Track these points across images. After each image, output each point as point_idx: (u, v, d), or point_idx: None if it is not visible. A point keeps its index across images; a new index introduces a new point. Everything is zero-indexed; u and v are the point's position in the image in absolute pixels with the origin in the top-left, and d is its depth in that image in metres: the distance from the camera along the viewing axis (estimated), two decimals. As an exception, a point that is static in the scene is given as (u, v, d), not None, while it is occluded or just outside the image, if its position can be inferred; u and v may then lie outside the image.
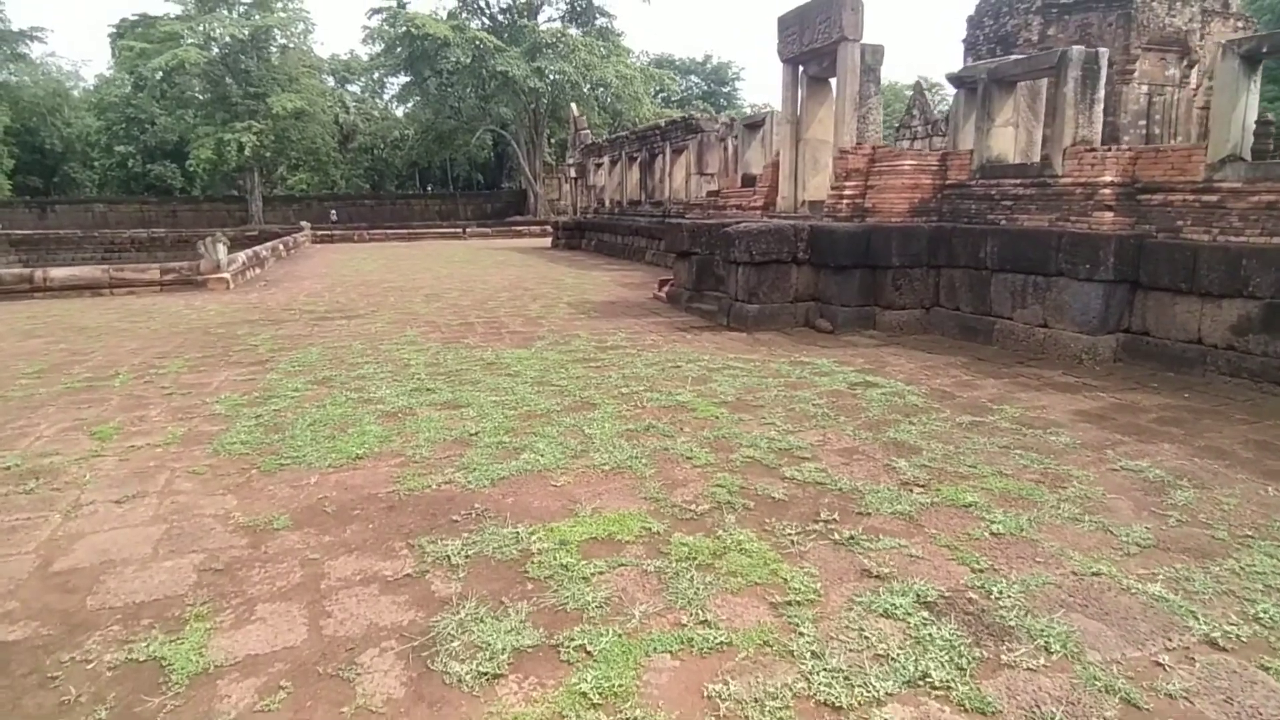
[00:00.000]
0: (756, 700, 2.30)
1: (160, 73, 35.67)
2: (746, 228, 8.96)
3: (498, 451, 4.56)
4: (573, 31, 39.57)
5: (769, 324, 8.84)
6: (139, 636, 2.68)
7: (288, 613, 2.83)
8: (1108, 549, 3.31)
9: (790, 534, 3.44)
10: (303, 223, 33.20)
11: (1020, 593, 2.92)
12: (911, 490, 3.96)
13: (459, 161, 50.34)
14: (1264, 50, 6.47)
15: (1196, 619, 2.74)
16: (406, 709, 2.30)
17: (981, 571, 3.10)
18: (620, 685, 2.36)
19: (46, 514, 3.76)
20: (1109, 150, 7.41)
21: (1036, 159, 8.52)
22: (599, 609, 2.81)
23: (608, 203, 24.38)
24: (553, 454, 4.48)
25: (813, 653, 2.53)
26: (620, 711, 2.26)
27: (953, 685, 2.36)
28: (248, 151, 36.94)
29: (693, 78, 57.79)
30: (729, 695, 2.32)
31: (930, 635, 2.63)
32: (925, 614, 2.77)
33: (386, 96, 47.24)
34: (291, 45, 40.89)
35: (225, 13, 37.85)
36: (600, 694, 2.33)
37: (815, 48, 10.04)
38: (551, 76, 36.79)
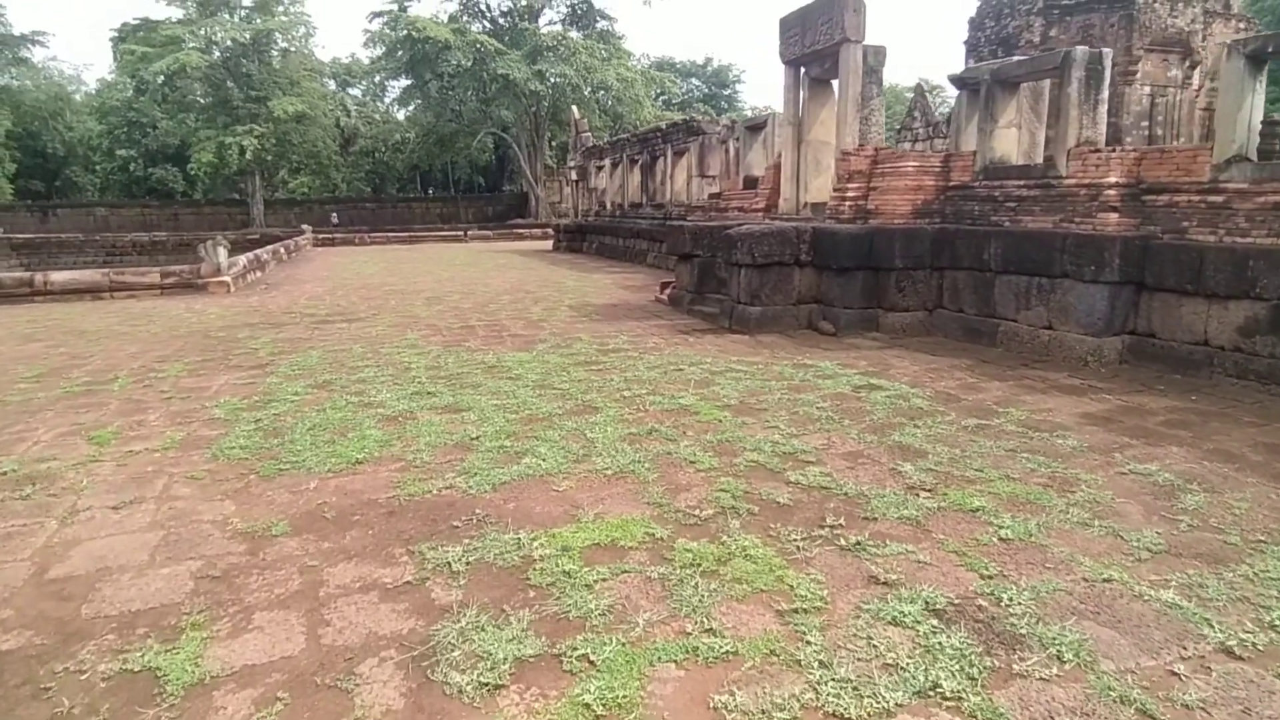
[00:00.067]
0: (763, 712, 2.25)
1: (162, 76, 35.71)
2: (748, 230, 8.92)
3: (499, 456, 4.51)
4: (573, 34, 39.62)
5: (771, 326, 8.80)
6: (134, 646, 2.63)
7: (286, 621, 2.79)
8: (1118, 554, 3.26)
9: (796, 540, 3.39)
10: (304, 226, 33.19)
11: (1031, 600, 2.87)
12: (918, 495, 3.91)
13: (460, 164, 50.36)
14: (1269, 50, 6.42)
15: (1211, 627, 2.69)
16: (406, 721, 2.25)
17: (991, 578, 3.05)
18: (624, 696, 2.31)
19: (43, 520, 3.71)
20: (1113, 151, 7.36)
21: (1039, 160, 8.48)
22: (602, 617, 2.76)
23: (609, 205, 24.35)
24: (554, 458, 4.43)
25: (820, 662, 2.48)
26: (624, 723, 2.21)
27: (964, 696, 2.31)
28: (249, 155, 36.98)
29: (694, 80, 57.83)
30: (735, 706, 2.27)
31: (940, 644, 2.58)
32: (934, 622, 2.72)
33: (388, 100, 47.38)
34: (293, 49, 40.94)
35: (226, 16, 37.92)
36: (604, 705, 2.28)
37: (817, 49, 10.01)
38: (552, 79, 36.82)
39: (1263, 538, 3.40)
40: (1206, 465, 4.35)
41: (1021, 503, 3.81)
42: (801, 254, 8.88)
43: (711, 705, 2.28)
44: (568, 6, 42.10)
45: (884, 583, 3.01)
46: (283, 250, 22.33)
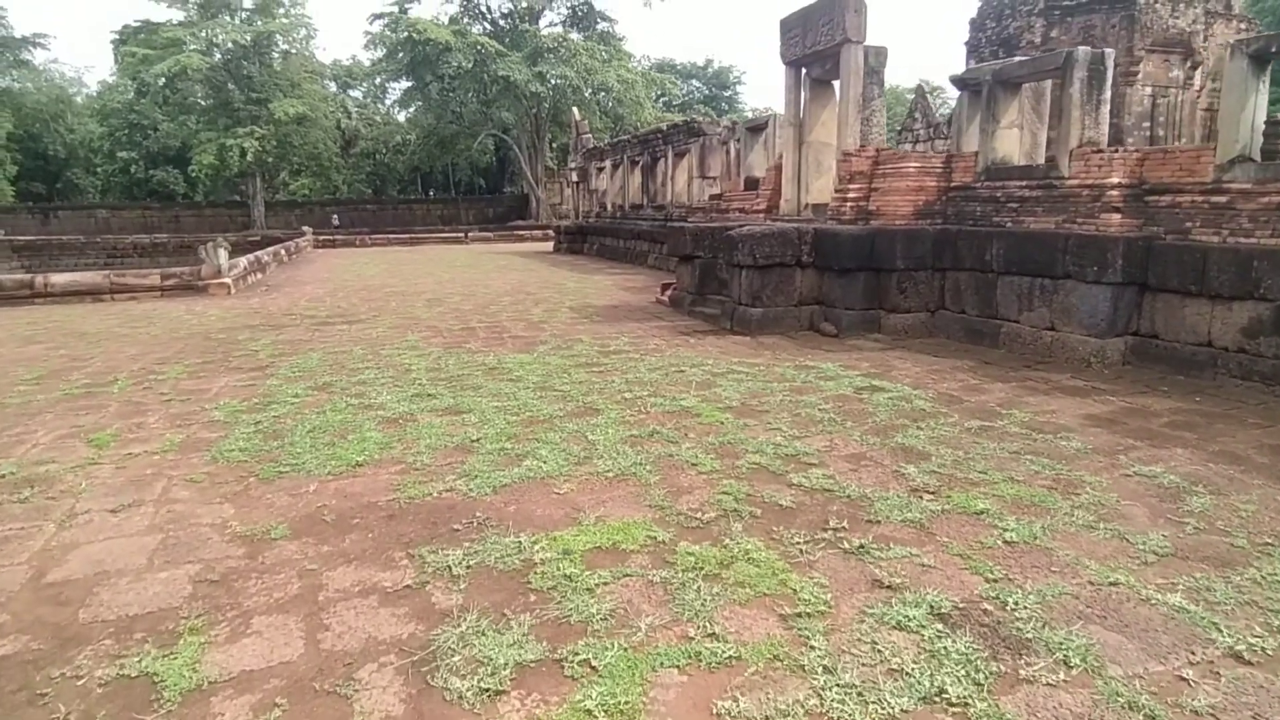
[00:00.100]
0: (767, 718, 2.22)
1: (163, 79, 35.75)
2: (750, 231, 8.90)
3: (499, 458, 4.49)
4: (574, 36, 39.66)
5: (773, 328, 8.77)
6: (131, 651, 2.61)
7: (284, 626, 2.76)
8: (1125, 558, 3.23)
9: (799, 543, 3.36)
10: (304, 228, 33.20)
11: (1036, 603, 2.84)
12: (921, 497, 3.88)
13: (461, 166, 50.39)
14: (1273, 50, 6.40)
15: (1220, 631, 2.66)
16: (406, 727, 2.23)
17: (996, 581, 3.02)
18: (626, 702, 2.29)
19: (41, 523, 3.69)
20: (1116, 151, 7.33)
21: (1041, 161, 8.45)
22: (604, 621, 2.73)
23: (609, 207, 24.33)
24: (555, 461, 4.41)
25: (824, 667, 2.45)
26: (626, 730, 2.19)
27: (970, 702, 2.28)
28: (250, 157, 37.02)
29: (694, 82, 57.84)
30: (739, 713, 2.24)
31: (945, 649, 2.55)
32: (939, 626, 2.69)
33: (388, 101, 47.37)
34: (294, 51, 40.99)
35: (227, 19, 37.98)
36: (606, 711, 2.25)
37: (818, 50, 9.99)
38: (553, 81, 36.84)
39: (1270, 540, 3.37)
40: (1212, 467, 4.32)
41: (1026, 505, 3.78)
42: (803, 255, 8.86)
43: (715, 711, 2.26)
44: (568, 8, 42.16)
45: (888, 586, 2.98)
46: (283, 252, 22.32)
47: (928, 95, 24.57)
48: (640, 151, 21.72)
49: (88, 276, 14.01)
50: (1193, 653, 2.56)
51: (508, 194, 49.05)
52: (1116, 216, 7.11)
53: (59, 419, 5.55)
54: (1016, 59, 9.58)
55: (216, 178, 41.17)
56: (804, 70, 10.75)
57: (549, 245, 27.55)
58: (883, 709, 2.25)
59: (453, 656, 2.54)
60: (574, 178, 28.96)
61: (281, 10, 39.70)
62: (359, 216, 43.72)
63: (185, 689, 2.40)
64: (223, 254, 14.55)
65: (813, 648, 2.56)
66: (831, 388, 6.16)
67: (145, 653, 2.59)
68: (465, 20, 40.13)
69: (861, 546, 3.31)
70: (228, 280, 14.15)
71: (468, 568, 3.16)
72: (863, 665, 2.47)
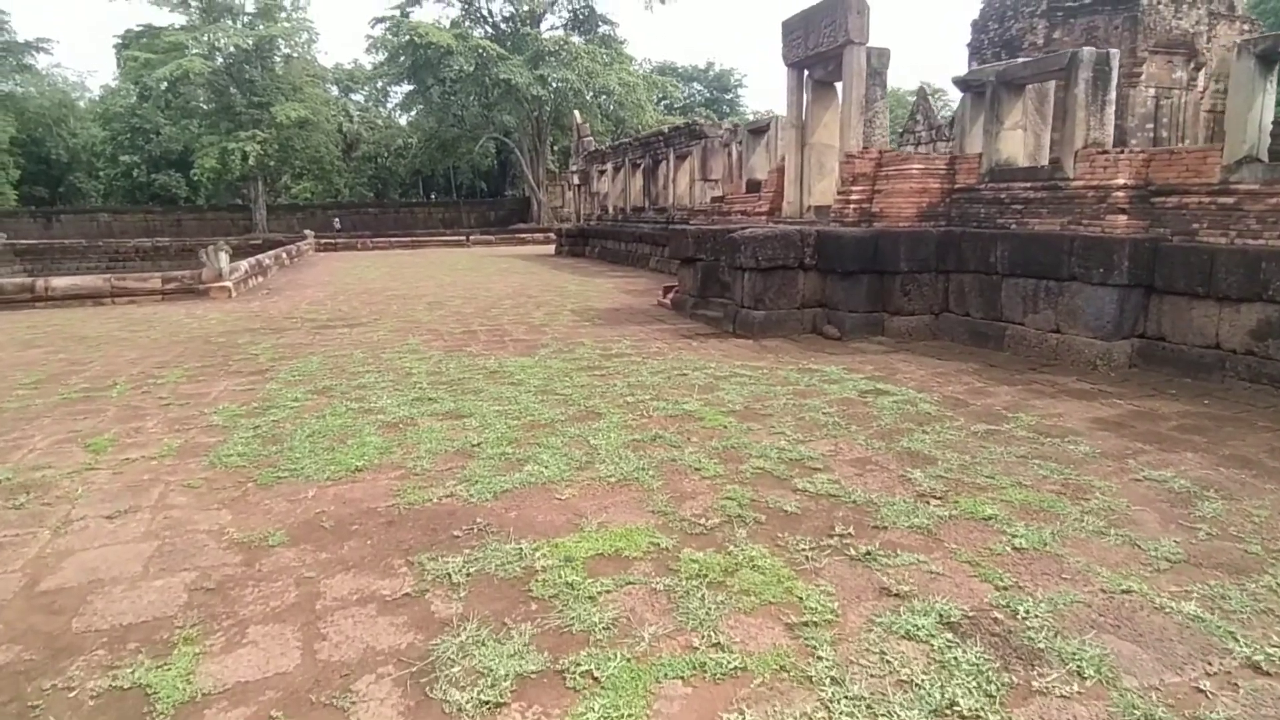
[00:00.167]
0: (774, 731, 2.17)
1: (165, 83, 35.75)
2: (752, 233, 8.85)
3: (500, 463, 4.44)
4: (575, 39, 39.64)
5: (775, 330, 8.72)
6: (124, 662, 2.55)
7: (281, 635, 2.71)
8: (1137, 565, 3.17)
9: (804, 549, 3.31)
10: (306, 231, 33.18)
11: (1048, 612, 2.78)
12: (928, 502, 3.83)
13: (462, 169, 50.39)
14: (1280, 50, 6.34)
15: (1236, 640, 2.60)
16: (403, 741, 2.18)
17: (1006, 589, 2.96)
18: (629, 715, 2.23)
19: (35, 530, 3.64)
20: (1121, 152, 7.28)
21: (1045, 162, 8.40)
22: (606, 631, 2.68)
23: (611, 209, 24.29)
24: (557, 466, 4.35)
25: (832, 678, 2.39)
26: (630, 744, 2.13)
27: (983, 715, 2.22)
28: (252, 161, 37.02)
29: (695, 85, 57.83)
30: (745, 726, 2.19)
31: (955, 659, 2.49)
32: (949, 635, 2.64)
33: (390, 105, 47.37)
34: (295, 55, 41.01)
35: (229, 23, 38.00)
36: (608, 724, 2.20)
37: (820, 51, 9.95)
38: (554, 84, 36.81)
39: (1284, 547, 3.31)
40: (1223, 471, 4.26)
41: (1035, 510, 3.73)
42: (806, 257, 8.81)
43: (720, 724, 2.20)
44: (569, 11, 42.18)
45: (896, 594, 2.92)
46: (285, 255, 22.31)
47: (929, 97, 24.53)
48: (642, 154, 21.68)
49: (88, 280, 13.98)
50: (1209, 663, 2.50)
51: (509, 197, 49.03)
52: (1122, 218, 7.06)
53: (56, 423, 5.51)
54: (1020, 59, 9.54)
55: (218, 181, 41.19)
56: (806, 72, 10.70)
57: (550, 248, 27.52)
58: (893, 722, 2.20)
59: (452, 667, 2.49)
60: (575, 181, 28.93)
61: (283, 14, 39.73)
62: (360, 220, 43.72)
63: (178, 701, 2.34)
64: (224, 257, 14.53)
65: (820, 658, 2.51)
66: (835, 391, 6.11)
67: (138, 663, 2.54)
68: (466, 24, 40.14)
69: (868, 553, 3.26)
70: (228, 284, 14.12)
71: (468, 575, 3.11)
72: (871, 676, 2.41)
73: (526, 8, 39.99)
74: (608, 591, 2.95)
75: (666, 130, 20.88)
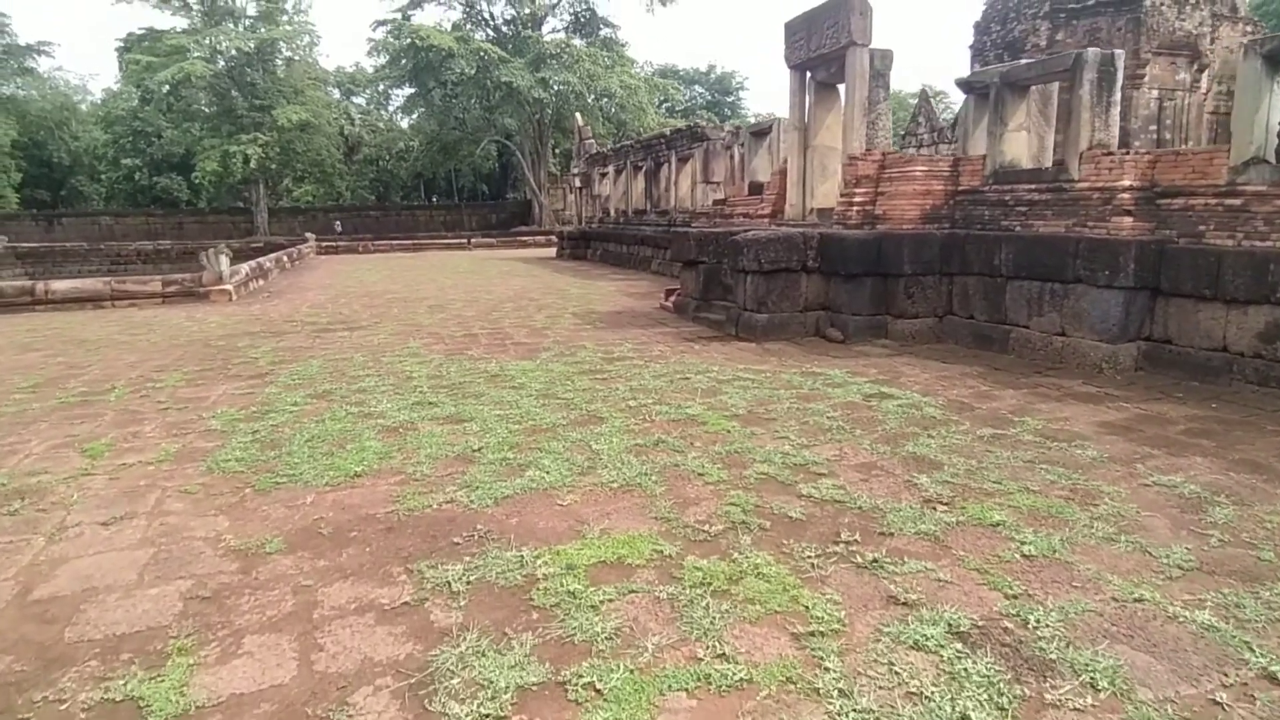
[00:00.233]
0: (781, 746, 2.11)
1: (167, 86, 35.77)
2: (755, 236, 8.80)
3: (501, 468, 4.38)
4: (577, 42, 39.63)
5: (778, 333, 8.66)
6: (117, 673, 2.50)
7: (277, 646, 2.66)
8: (1148, 572, 3.11)
9: (810, 557, 3.25)
10: (307, 234, 33.17)
11: (1059, 621, 2.73)
12: (935, 508, 3.77)
13: (464, 172, 50.41)
14: (1287, 50, 6.29)
15: (1252, 650, 2.55)
16: (401, 756, 2.12)
17: (1015, 597, 2.91)
18: (633, 729, 2.18)
19: (30, 537, 3.59)
20: (1127, 154, 7.23)
21: (1048, 164, 8.35)
22: (609, 641, 2.63)
23: (613, 212, 24.26)
24: (558, 471, 4.30)
25: (840, 691, 2.34)
26: (633, 759, 2.08)
27: (995, 728, 2.17)
28: (253, 164, 37.02)
29: (697, 87, 57.82)
30: (751, 740, 2.13)
31: (966, 670, 2.44)
32: (959, 646, 2.58)
33: (391, 108, 47.42)
34: (297, 58, 41.02)
35: (231, 26, 38.01)
36: (611, 739, 2.14)
37: (823, 53, 9.90)
38: (556, 87, 36.80)
39: (1298, 554, 3.26)
40: (1233, 476, 4.20)
41: (1043, 516, 3.67)
42: (808, 260, 8.76)
43: (726, 738, 2.15)
44: (571, 14, 42.20)
45: (904, 603, 2.87)
46: (286, 258, 22.28)
47: (931, 100, 24.50)
48: (643, 157, 21.65)
49: (89, 283, 13.95)
50: (1225, 674, 2.44)
51: (510, 200, 49.03)
52: (1128, 220, 7.00)
53: (54, 428, 5.46)
54: (1024, 61, 9.49)
55: (220, 184, 41.18)
56: (809, 74, 10.66)
57: (552, 251, 27.49)
58: (903, 736, 2.14)
59: (451, 679, 2.43)
60: (577, 183, 28.91)
61: (285, 17, 39.76)
62: (362, 223, 43.72)
63: (171, 715, 2.29)
64: (224, 260, 14.49)
65: (827, 669, 2.45)
66: (839, 395, 6.05)
67: (131, 675, 2.49)
68: (468, 27, 40.15)
69: (875, 560, 3.20)
70: (229, 287, 14.09)
71: (468, 583, 3.06)
72: (880, 689, 2.36)
73: (528, 10, 40.02)
74: (610, 600, 2.90)
75: (668, 133, 20.85)
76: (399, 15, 38.94)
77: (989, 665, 2.46)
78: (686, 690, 2.36)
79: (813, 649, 2.57)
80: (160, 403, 6.15)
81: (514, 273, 19.52)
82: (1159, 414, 5.49)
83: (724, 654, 2.54)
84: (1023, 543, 3.37)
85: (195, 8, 37.83)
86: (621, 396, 6.03)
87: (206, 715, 2.30)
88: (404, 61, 37.88)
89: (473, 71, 36.02)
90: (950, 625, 2.70)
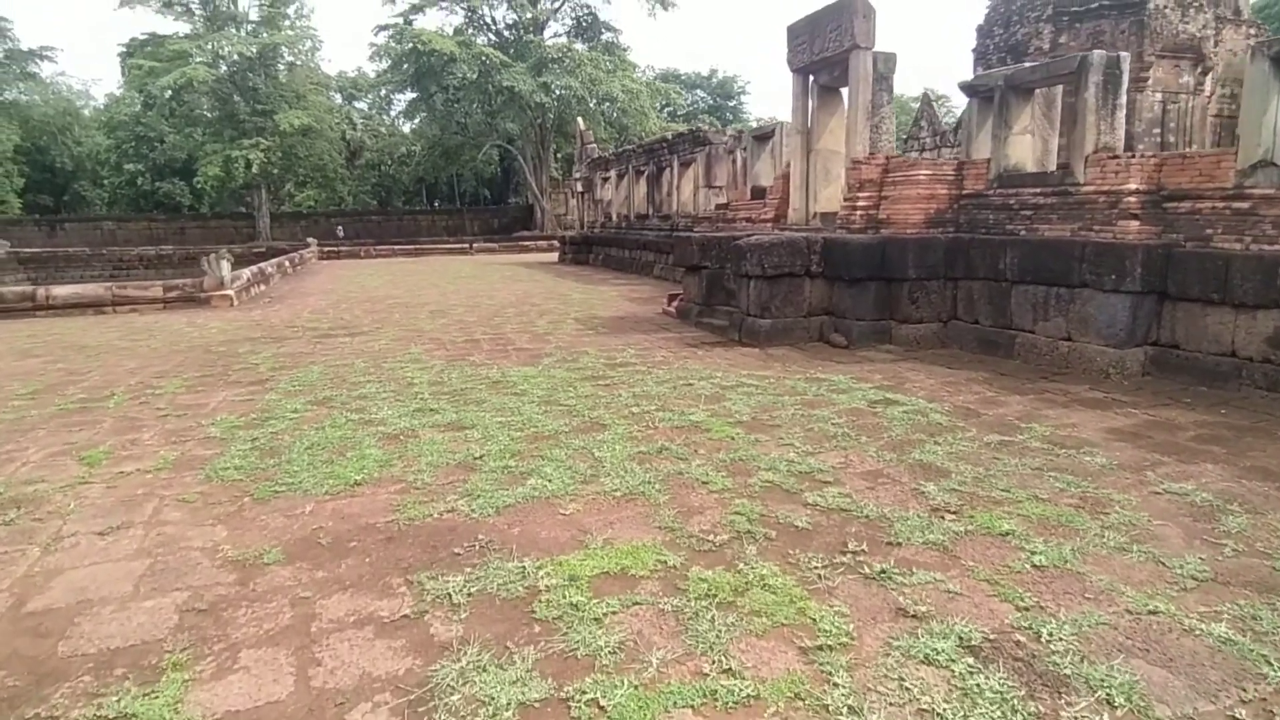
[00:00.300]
0: (790, 766, 2.06)
1: (169, 91, 35.86)
2: (758, 240, 8.75)
3: (503, 477, 4.33)
4: (578, 47, 39.65)
5: (782, 339, 8.61)
6: (110, 689, 2.45)
7: (274, 660, 2.60)
8: (1162, 583, 3.05)
9: (816, 567, 3.19)
10: (309, 239, 33.18)
11: (1073, 634, 2.67)
12: (943, 517, 3.71)
13: (466, 177, 50.43)
14: (1295, 52, 6.24)
15: (1270, 664, 2.49)
16: (400, 776, 2.07)
17: (1027, 610, 2.85)
18: (637, 748, 2.12)
19: (25, 547, 3.54)
20: (1133, 157, 7.18)
21: (1052, 168, 8.29)
22: (612, 655, 2.57)
23: (615, 217, 24.23)
24: (561, 479, 4.25)
25: (850, 708, 2.28)
26: (638, 779, 2.02)
27: (1010, 747, 2.11)
28: (255, 169, 37.06)
29: (699, 92, 57.85)
30: (759, 760, 2.08)
31: (978, 686, 2.38)
32: (970, 660, 2.52)
33: (393, 113, 47.51)
34: (299, 63, 41.12)
35: (233, 31, 38.09)
36: (615, 758, 2.09)
37: (826, 56, 9.87)
38: (558, 91, 36.81)
39: (1315, 564, 3.20)
40: (1245, 484, 4.14)
41: (1053, 525, 3.61)
42: (812, 265, 8.70)
43: (733, 758, 2.09)
44: (573, 19, 42.24)
45: (913, 615, 2.81)
46: (287, 263, 22.27)
47: (933, 103, 24.47)
48: (645, 161, 21.62)
49: (90, 288, 13.93)
50: (1244, 689, 2.38)
51: (512, 205, 49.04)
52: (1134, 223, 6.95)
53: (52, 435, 5.42)
54: (1029, 63, 9.44)
55: (222, 189, 41.23)
56: (811, 77, 10.62)
57: (554, 256, 27.47)
58: (915, 756, 2.08)
59: (451, 695, 2.38)
60: (579, 188, 28.90)
61: (287, 23, 39.84)
62: (364, 227, 43.74)
63: (165, 732, 2.24)
64: (225, 266, 14.47)
65: (836, 685, 2.39)
66: (844, 401, 6.00)
67: (125, 691, 2.44)
68: (470, 31, 40.18)
69: (883, 571, 3.14)
70: (230, 292, 14.06)
71: (469, 595, 3.00)
72: (891, 705, 2.30)
73: (530, 15, 40.04)
74: (614, 613, 2.85)
75: (670, 137, 20.82)
76: (401, 20, 39.00)
77: (1002, 681, 2.41)
78: (692, 707, 2.31)
79: (821, 664, 2.51)
80: (159, 410, 6.11)
81: (516, 277, 19.48)
82: (1168, 420, 5.43)
83: (730, 669, 2.49)
84: (1033, 552, 3.31)
85: (198, 13, 37.93)
86: (624, 403, 5.97)
87: (201, 733, 2.25)
88: (406, 66, 37.92)
89: (474, 76, 36.04)
90: (961, 638, 2.64)
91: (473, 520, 3.74)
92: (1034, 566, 3.19)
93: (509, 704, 2.32)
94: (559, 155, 43.10)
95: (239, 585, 3.14)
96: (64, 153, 45.40)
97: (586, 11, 41.82)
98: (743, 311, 8.98)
